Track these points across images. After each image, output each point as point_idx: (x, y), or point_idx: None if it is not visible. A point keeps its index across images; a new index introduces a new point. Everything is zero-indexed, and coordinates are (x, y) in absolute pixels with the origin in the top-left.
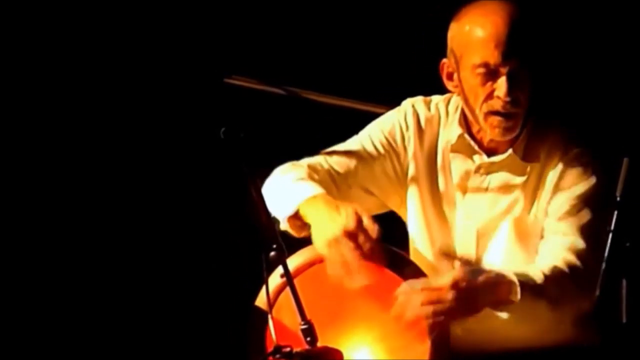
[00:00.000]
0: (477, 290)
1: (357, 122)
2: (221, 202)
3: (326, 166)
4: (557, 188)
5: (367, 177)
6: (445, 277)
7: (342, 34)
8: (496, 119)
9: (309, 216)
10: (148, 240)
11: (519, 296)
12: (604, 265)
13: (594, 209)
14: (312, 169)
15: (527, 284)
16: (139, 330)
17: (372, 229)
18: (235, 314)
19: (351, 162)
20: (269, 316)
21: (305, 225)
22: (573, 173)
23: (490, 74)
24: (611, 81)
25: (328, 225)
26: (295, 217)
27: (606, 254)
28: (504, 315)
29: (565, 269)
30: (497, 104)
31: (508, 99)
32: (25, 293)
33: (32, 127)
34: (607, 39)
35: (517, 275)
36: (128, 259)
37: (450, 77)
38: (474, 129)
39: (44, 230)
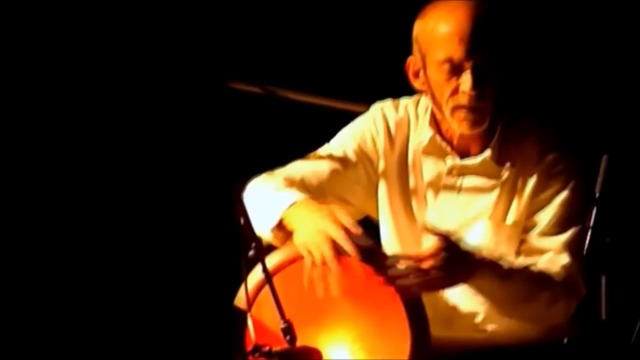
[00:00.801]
0: (461, 256)
1: (343, 122)
2: (200, 202)
3: (298, 177)
4: (536, 199)
5: (342, 186)
6: (424, 249)
7: (337, 36)
8: (462, 112)
9: (292, 222)
10: (129, 238)
11: (487, 273)
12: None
13: (577, 220)
14: (287, 180)
15: (499, 265)
16: (120, 329)
17: (353, 224)
18: (216, 313)
19: (324, 173)
20: (248, 315)
21: (288, 235)
22: (551, 182)
23: (455, 70)
24: (588, 77)
25: (308, 226)
26: (279, 228)
27: (585, 250)
28: (481, 299)
29: (544, 276)
30: (462, 99)
31: (473, 92)
32: (24, 293)
33: (34, 134)
34: (580, 33)
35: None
36: (108, 257)
37: (416, 75)
38: (443, 128)
39: (42, 229)
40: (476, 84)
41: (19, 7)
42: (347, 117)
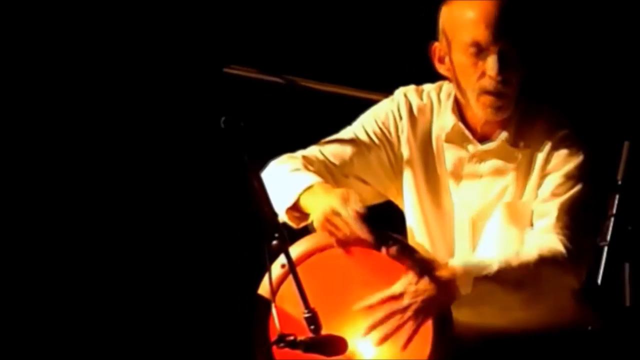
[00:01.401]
0: (428, 292)
1: (355, 110)
2: (222, 192)
3: (321, 157)
4: (544, 171)
5: (363, 167)
6: (394, 285)
7: (339, 22)
8: (488, 99)
9: (308, 205)
10: (148, 230)
11: (468, 289)
12: (606, 249)
13: (580, 187)
14: (307, 160)
15: (478, 273)
16: (139, 320)
17: (356, 201)
18: (238, 304)
19: (346, 153)
20: (272, 305)
21: (304, 216)
22: (559, 155)
23: (481, 54)
24: (610, 67)
25: (320, 207)
26: (294, 209)
27: (608, 238)
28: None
29: (542, 253)
30: (488, 84)
31: (499, 77)
32: (25, 293)
33: (26, 109)
34: (602, 23)
35: (465, 267)
36: (128, 248)
37: (441, 60)
38: (467, 115)
39: (41, 224)
40: (502, 68)
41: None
42: (363, 105)
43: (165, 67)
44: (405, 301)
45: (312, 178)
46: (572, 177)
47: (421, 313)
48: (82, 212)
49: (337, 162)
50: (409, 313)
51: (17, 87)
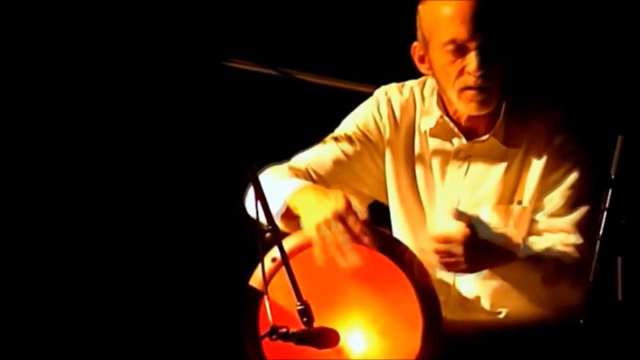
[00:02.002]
0: (483, 246)
1: (352, 103)
2: (218, 186)
3: (303, 168)
4: (545, 180)
5: (349, 176)
6: (456, 231)
7: (336, 14)
8: (470, 93)
9: (298, 206)
10: (143, 224)
11: (519, 254)
12: (598, 243)
13: (588, 200)
14: (293, 170)
15: (527, 251)
16: (132, 313)
17: (361, 210)
18: (227, 296)
19: (327, 162)
20: (265, 297)
21: (296, 222)
22: (560, 164)
23: (460, 51)
24: (602, 58)
25: (317, 209)
26: (286, 216)
27: (601, 232)
28: (496, 282)
29: (564, 257)
30: (469, 80)
31: (479, 73)
32: (25, 293)
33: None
34: (588, 13)
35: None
36: (121, 242)
37: (422, 60)
38: (451, 110)
39: (42, 224)
40: (482, 64)
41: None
42: (352, 98)
43: (163, 62)
44: (458, 250)
45: (302, 182)
46: (581, 190)
47: (466, 264)
48: (76, 209)
49: (320, 171)
50: (455, 258)
51: (13, 84)
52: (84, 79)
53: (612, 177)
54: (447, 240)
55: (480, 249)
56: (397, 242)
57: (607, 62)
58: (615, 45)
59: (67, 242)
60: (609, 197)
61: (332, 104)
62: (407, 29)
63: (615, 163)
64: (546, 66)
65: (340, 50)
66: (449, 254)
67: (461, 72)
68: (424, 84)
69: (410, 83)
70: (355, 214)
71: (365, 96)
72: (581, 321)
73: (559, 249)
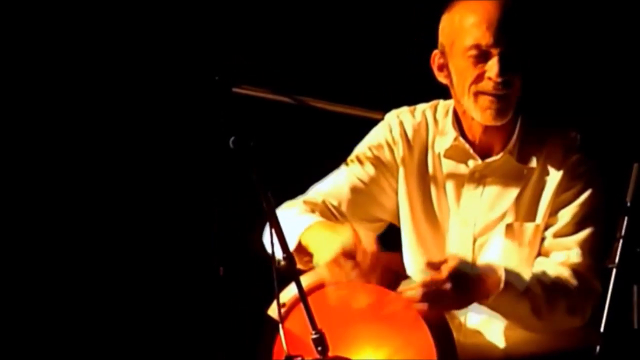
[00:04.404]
0: (469, 281)
1: (365, 130)
2: (232, 211)
3: (320, 200)
4: (557, 199)
5: (366, 202)
6: (441, 270)
7: (349, 42)
8: (487, 99)
9: (309, 245)
10: (155, 247)
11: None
12: (614, 271)
13: (597, 222)
14: (308, 205)
15: (513, 282)
16: (147, 338)
17: (370, 242)
18: (241, 325)
19: (343, 192)
20: (280, 326)
21: (310, 258)
22: (574, 183)
23: (482, 57)
24: (616, 83)
25: (327, 247)
26: (299, 251)
27: (617, 260)
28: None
29: (558, 283)
30: (487, 85)
31: (499, 79)
32: (25, 293)
33: (38, 139)
34: (608, 39)
35: (507, 272)
36: (135, 264)
37: (441, 68)
38: (466, 127)
39: (45, 232)
40: (503, 71)
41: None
42: (363, 124)
43: (176, 87)
44: (446, 286)
45: (314, 218)
46: (590, 210)
47: (451, 302)
48: (76, 216)
49: (336, 202)
50: (444, 296)
51: (21, 97)
52: (98, 100)
53: (628, 205)
54: (429, 283)
55: (467, 282)
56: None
57: (623, 87)
58: (631, 71)
59: (66, 242)
60: (624, 225)
61: (344, 130)
62: (417, 60)
63: (631, 191)
64: (562, 89)
65: (351, 77)
66: (433, 295)
67: (480, 76)
68: (435, 107)
69: (422, 106)
70: (363, 248)
71: (376, 122)
72: (596, 350)
73: (553, 275)
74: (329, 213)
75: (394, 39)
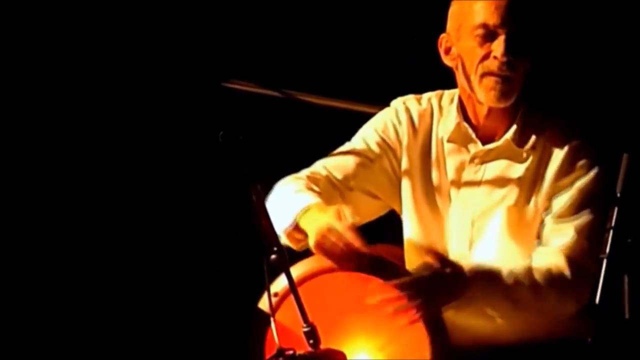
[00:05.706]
0: (433, 285)
1: (355, 123)
2: (222, 206)
3: (325, 173)
4: (557, 181)
5: (368, 179)
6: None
7: (338, 35)
8: (492, 80)
9: (305, 227)
10: (148, 243)
11: (472, 292)
12: (605, 262)
13: (595, 207)
14: (311, 179)
15: (486, 282)
16: (137, 332)
17: (349, 216)
18: (233, 318)
19: (349, 166)
20: (272, 319)
21: (305, 238)
22: (574, 167)
23: (489, 36)
24: (611, 76)
25: (317, 228)
26: (296, 230)
27: (608, 250)
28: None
29: (552, 277)
30: (493, 65)
31: (504, 59)
32: (25, 293)
33: (34, 132)
34: (609, 33)
35: (480, 271)
36: (129, 261)
37: (447, 51)
38: (470, 111)
39: (45, 232)
40: (508, 50)
41: (14, 3)
42: (362, 119)
43: (164, 81)
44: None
45: (311, 199)
46: (589, 195)
47: (428, 304)
48: (90, 224)
49: (340, 176)
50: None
51: (17, 94)
52: (87, 97)
53: (618, 195)
54: (404, 283)
55: (443, 282)
56: (394, 266)
57: (614, 78)
58: (622, 61)
59: (59, 239)
60: (614, 216)
61: (333, 124)
62: (410, 52)
63: (621, 181)
64: (561, 80)
65: (341, 71)
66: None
67: (486, 56)
68: (441, 95)
69: (428, 94)
70: (344, 222)
71: (367, 116)
72: (589, 340)
73: (547, 265)
74: (331, 187)
75: (384, 33)
